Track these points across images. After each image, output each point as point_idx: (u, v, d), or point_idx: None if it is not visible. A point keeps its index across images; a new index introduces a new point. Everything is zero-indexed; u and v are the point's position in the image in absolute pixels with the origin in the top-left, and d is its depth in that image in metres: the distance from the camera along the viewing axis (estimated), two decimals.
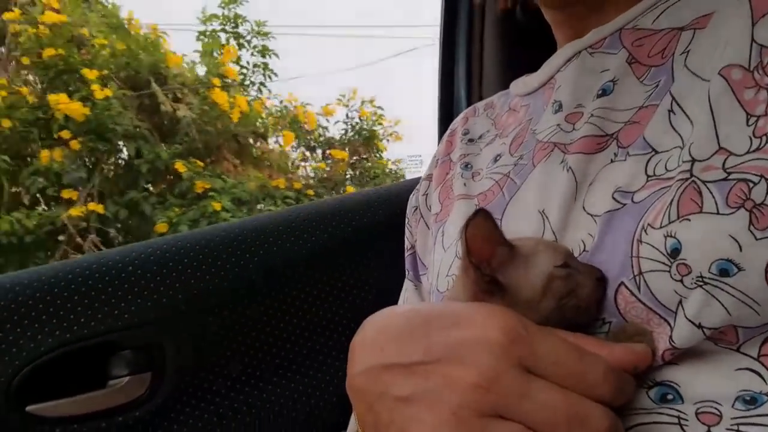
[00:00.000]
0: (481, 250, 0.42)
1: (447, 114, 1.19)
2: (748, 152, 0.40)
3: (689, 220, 0.40)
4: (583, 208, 0.48)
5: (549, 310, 0.42)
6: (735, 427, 0.38)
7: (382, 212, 1.01)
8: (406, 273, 0.74)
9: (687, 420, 0.39)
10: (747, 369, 0.39)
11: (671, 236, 0.40)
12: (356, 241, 0.97)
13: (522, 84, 0.68)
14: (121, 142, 4.34)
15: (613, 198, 0.46)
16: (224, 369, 0.88)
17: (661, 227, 0.41)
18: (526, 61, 0.70)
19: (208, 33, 5.04)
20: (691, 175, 0.41)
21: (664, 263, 0.40)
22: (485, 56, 1.15)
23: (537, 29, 1.06)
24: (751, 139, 0.40)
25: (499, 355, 0.36)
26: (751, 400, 0.38)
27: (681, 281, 0.39)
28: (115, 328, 0.84)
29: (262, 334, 0.90)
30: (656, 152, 0.45)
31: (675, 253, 0.40)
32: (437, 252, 0.64)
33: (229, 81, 4.80)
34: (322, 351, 0.93)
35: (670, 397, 0.40)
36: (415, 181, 0.79)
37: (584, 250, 0.46)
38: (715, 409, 0.39)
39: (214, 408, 0.87)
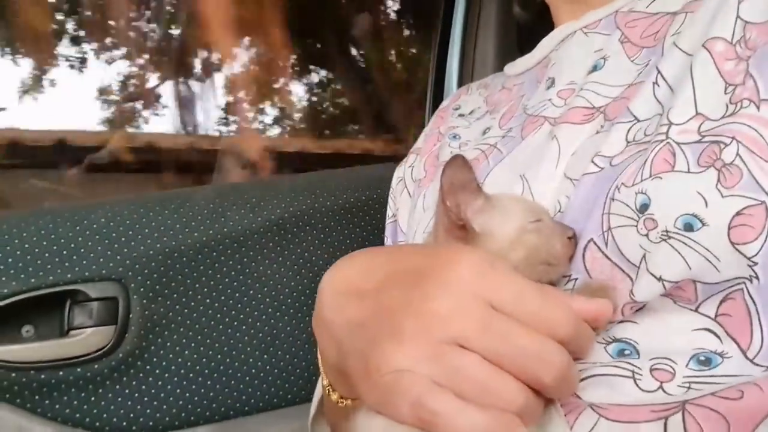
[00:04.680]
0: (457, 195, 0.42)
1: (438, 95, 1.19)
2: (723, 117, 0.41)
3: (661, 177, 0.41)
4: (564, 174, 0.48)
5: (519, 262, 0.42)
6: (687, 385, 0.38)
7: (353, 192, 1.01)
8: (385, 240, 0.74)
9: (641, 375, 0.39)
10: (704, 329, 0.39)
11: (642, 193, 0.41)
12: (323, 217, 0.98)
13: (516, 65, 0.68)
14: None
15: (593, 162, 0.46)
16: (188, 328, 0.87)
17: (633, 185, 0.41)
18: (519, 50, 0.71)
19: None
20: (667, 137, 0.42)
21: (632, 218, 0.41)
22: (479, 44, 1.16)
23: (531, 23, 1.07)
24: (727, 105, 0.41)
25: (463, 286, 0.36)
26: (706, 361, 0.38)
27: (647, 236, 0.40)
28: (81, 278, 0.83)
29: (224, 296, 0.90)
30: (638, 121, 0.46)
31: (644, 208, 0.40)
32: (417, 214, 0.64)
33: None
34: (281, 315, 0.93)
35: (627, 352, 0.41)
36: (391, 166, 0.79)
37: (560, 211, 0.47)
38: (669, 366, 0.39)
39: (176, 367, 0.86)
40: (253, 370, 0.90)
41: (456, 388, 0.34)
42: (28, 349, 0.80)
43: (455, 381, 0.34)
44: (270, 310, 0.92)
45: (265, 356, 0.91)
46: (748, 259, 0.38)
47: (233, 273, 0.91)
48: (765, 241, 0.38)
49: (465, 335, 0.35)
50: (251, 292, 0.91)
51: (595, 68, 0.53)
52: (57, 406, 0.81)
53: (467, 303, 0.36)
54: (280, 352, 0.92)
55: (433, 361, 0.35)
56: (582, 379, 0.40)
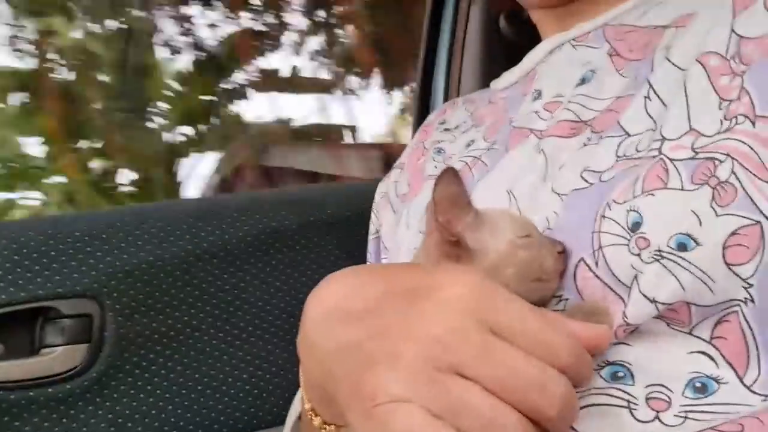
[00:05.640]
0: (449, 209, 0.41)
1: (424, 110, 1.19)
2: (717, 133, 0.40)
3: (653, 195, 0.39)
4: (552, 188, 0.47)
5: (511, 280, 0.40)
6: (684, 414, 0.37)
7: (336, 207, 0.99)
8: (368, 257, 0.72)
9: (637, 404, 0.38)
10: (699, 352, 0.38)
11: (634, 210, 0.40)
12: (306, 232, 0.96)
13: (502, 79, 0.67)
14: None
15: (582, 177, 0.45)
16: (165, 346, 0.85)
17: (624, 202, 0.40)
18: (506, 66, 0.70)
19: None
20: (660, 153, 0.41)
21: (623, 237, 0.39)
22: (465, 59, 1.15)
23: (519, 41, 1.07)
24: (721, 121, 0.40)
25: (464, 312, 0.34)
26: (702, 387, 0.37)
27: (639, 255, 0.39)
28: (53, 294, 0.80)
29: (202, 313, 0.87)
30: (629, 135, 0.45)
31: (636, 226, 0.39)
32: (401, 230, 0.62)
33: None
34: (261, 334, 0.90)
35: (621, 374, 0.39)
36: (376, 181, 0.78)
37: (548, 228, 0.45)
38: (665, 395, 0.38)
39: (152, 387, 0.83)
40: (232, 390, 0.88)
41: (455, 422, 0.32)
42: None
43: (455, 413, 0.32)
44: (250, 327, 0.90)
45: (245, 375, 0.88)
46: (743, 280, 0.37)
47: (212, 289, 0.88)
48: (760, 262, 0.37)
49: (466, 362, 0.33)
50: (231, 309, 0.89)
51: (583, 81, 0.52)
52: (27, 428, 0.78)
53: (467, 328, 0.34)
54: (260, 372, 0.89)
55: (431, 391, 0.32)
56: (579, 409, 0.38)
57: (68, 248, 0.82)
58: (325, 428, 0.43)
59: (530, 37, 0.68)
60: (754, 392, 0.37)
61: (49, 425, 0.79)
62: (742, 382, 0.37)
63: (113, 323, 0.82)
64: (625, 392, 0.38)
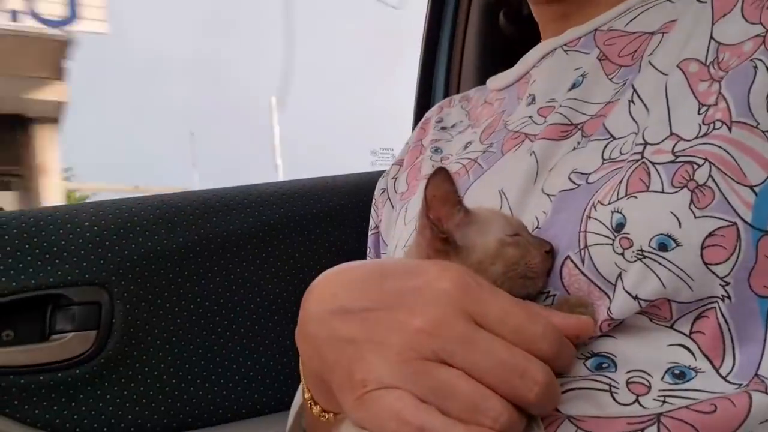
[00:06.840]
0: (440, 207, 0.43)
1: (424, 105, 1.20)
2: (696, 137, 0.42)
3: (636, 197, 0.41)
4: (542, 189, 0.49)
5: (498, 276, 0.42)
6: (662, 398, 0.39)
7: (338, 199, 1.01)
8: (367, 251, 0.74)
9: (618, 388, 0.40)
10: (678, 345, 0.40)
11: (617, 212, 0.41)
12: (308, 223, 0.97)
13: (498, 79, 0.69)
14: None
15: (569, 179, 0.47)
16: (171, 333, 0.87)
17: (609, 204, 0.42)
18: (504, 62, 0.71)
19: None
20: (642, 157, 0.43)
21: (608, 237, 0.41)
22: (465, 54, 1.17)
23: (519, 38, 1.09)
24: (700, 126, 0.42)
25: (447, 303, 0.36)
26: (680, 374, 0.39)
27: (622, 254, 0.41)
28: (63, 282, 0.82)
29: (208, 301, 0.90)
30: (614, 138, 0.47)
31: (619, 227, 0.41)
32: (398, 227, 0.64)
33: None
34: (265, 322, 0.93)
35: (605, 365, 0.41)
36: (376, 174, 0.80)
37: (537, 227, 0.47)
38: (645, 380, 0.40)
39: (158, 373, 0.86)
40: (237, 377, 0.90)
41: (441, 405, 0.34)
42: (8, 354, 0.79)
43: (441, 398, 0.35)
44: (254, 316, 0.92)
45: (249, 363, 0.91)
46: (720, 279, 0.39)
47: (218, 278, 0.91)
48: (736, 262, 0.39)
49: (449, 351, 0.35)
50: (236, 297, 0.91)
51: (574, 85, 0.54)
52: (37, 411, 0.81)
53: (452, 319, 0.36)
54: (263, 359, 0.92)
55: (418, 378, 0.35)
56: (561, 392, 0.40)
57: (78, 237, 0.84)
58: (323, 416, 0.46)
59: (529, 35, 0.70)
60: (729, 382, 0.39)
61: (58, 408, 0.81)
62: (717, 372, 0.39)
63: (121, 311, 0.84)
64: (608, 377, 0.41)
